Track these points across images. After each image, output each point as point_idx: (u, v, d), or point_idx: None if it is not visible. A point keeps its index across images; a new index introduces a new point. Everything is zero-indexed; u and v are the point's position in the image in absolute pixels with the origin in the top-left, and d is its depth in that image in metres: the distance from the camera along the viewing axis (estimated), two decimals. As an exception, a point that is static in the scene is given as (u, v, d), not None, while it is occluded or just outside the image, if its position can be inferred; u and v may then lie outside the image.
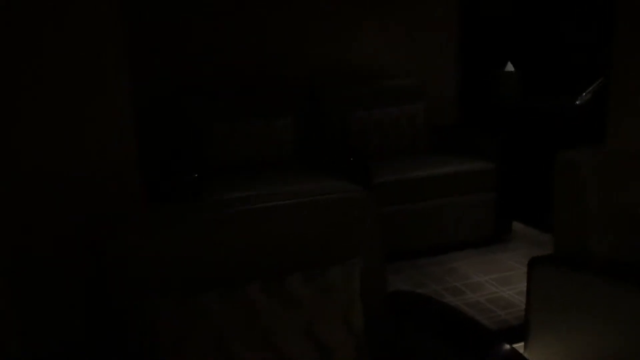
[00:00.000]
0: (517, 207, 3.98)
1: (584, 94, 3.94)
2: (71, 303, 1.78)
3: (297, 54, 4.09)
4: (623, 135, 2.51)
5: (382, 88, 4.15)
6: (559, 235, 2.08)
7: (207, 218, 1.56)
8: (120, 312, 1.44)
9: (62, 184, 1.72)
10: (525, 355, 1.92)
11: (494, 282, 3.22)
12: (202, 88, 3.85)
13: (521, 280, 3.02)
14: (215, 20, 3.86)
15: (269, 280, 1.46)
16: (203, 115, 3.66)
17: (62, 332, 1.78)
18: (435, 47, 4.44)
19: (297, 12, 4.04)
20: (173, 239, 1.49)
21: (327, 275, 1.49)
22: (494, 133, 3.91)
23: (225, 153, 3.62)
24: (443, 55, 4.48)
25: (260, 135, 3.69)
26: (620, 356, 1.83)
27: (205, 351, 1.33)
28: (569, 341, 2.00)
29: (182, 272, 1.46)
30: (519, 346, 2.10)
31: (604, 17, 3.99)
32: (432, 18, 4.39)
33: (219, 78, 3.92)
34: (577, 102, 3.94)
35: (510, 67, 4.48)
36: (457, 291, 3.13)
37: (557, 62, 4.52)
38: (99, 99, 1.75)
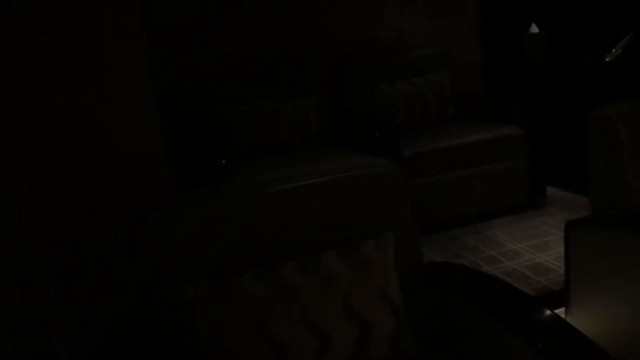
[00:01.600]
0: (551, 172, 3.90)
1: (614, 49, 3.82)
2: (110, 298, 1.79)
3: (317, 31, 4.05)
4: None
5: (405, 59, 4.09)
6: (596, 196, 2.03)
7: (238, 200, 1.56)
8: (158, 301, 1.45)
9: (90, 180, 1.73)
10: (567, 320, 1.89)
11: (531, 248, 3.18)
12: (224, 71, 3.85)
13: (559, 245, 2.97)
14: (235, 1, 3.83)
15: (304, 258, 1.46)
16: (227, 99, 3.66)
17: (103, 330, 1.81)
18: (458, 13, 4.35)
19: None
20: (205, 224, 1.49)
21: (360, 250, 1.48)
22: (523, 97, 3.83)
23: (252, 136, 3.62)
24: (466, 21, 4.38)
25: (286, 116, 3.68)
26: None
27: (245, 333, 1.34)
28: (611, 303, 1.96)
29: (216, 256, 1.47)
30: (560, 311, 2.07)
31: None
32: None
33: (240, 60, 3.91)
34: (607, 59, 3.82)
35: (534, 29, 4.37)
36: (494, 260, 3.10)
37: (582, 18, 4.39)
38: (119, 88, 1.74)
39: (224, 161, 3.13)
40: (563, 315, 2.07)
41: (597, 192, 2.02)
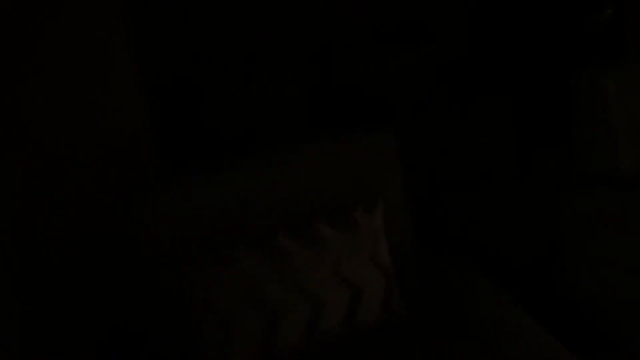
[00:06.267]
0: (540, 135, 3.90)
1: (601, 9, 3.79)
2: (99, 281, 1.79)
3: (300, 14, 4.00)
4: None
5: (390, 32, 4.06)
6: (582, 156, 2.03)
7: (226, 173, 1.57)
8: (150, 278, 1.46)
9: (77, 161, 1.72)
10: (561, 279, 1.92)
11: (523, 212, 3.18)
12: (210, 57, 3.80)
13: (549, 208, 2.98)
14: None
15: (295, 227, 1.47)
16: (213, 83, 3.64)
17: (93, 317, 1.81)
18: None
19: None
20: (194, 197, 1.50)
21: (350, 216, 1.50)
22: (510, 61, 3.82)
23: (239, 118, 3.60)
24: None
25: (272, 99, 3.66)
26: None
27: (237, 301, 1.35)
28: (602, 261, 1.97)
29: (205, 227, 1.48)
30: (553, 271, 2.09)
31: None
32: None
33: (226, 44, 3.87)
34: (593, 18, 3.80)
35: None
36: (486, 225, 3.11)
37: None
38: (101, 67, 1.73)
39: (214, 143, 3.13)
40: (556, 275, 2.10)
41: (583, 151, 2.02)
